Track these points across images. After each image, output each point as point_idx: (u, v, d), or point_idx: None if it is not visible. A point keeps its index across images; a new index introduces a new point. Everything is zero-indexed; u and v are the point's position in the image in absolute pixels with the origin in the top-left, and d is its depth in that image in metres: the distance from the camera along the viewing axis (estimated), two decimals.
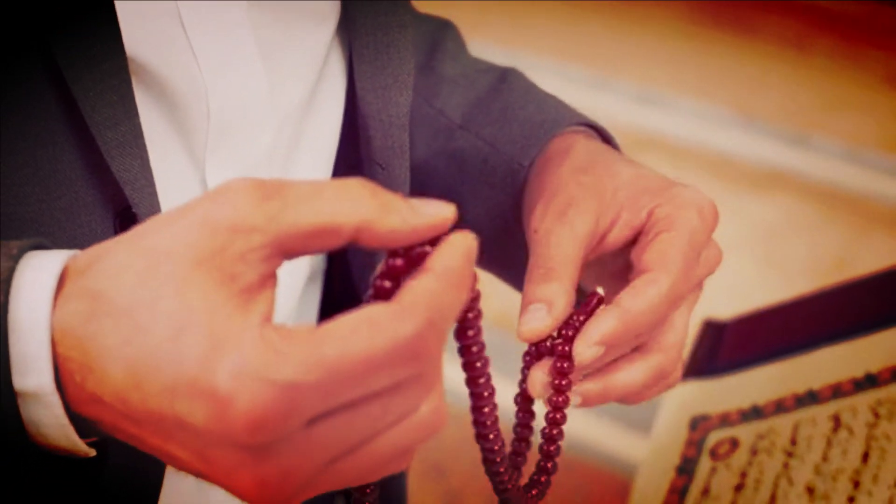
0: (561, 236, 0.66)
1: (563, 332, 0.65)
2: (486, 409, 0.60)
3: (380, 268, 0.49)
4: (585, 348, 0.63)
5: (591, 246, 0.67)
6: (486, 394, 0.59)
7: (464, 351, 0.57)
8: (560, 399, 0.65)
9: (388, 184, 0.70)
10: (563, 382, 0.65)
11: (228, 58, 0.62)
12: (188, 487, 0.69)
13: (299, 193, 0.46)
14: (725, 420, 0.91)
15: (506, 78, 0.80)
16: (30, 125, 0.56)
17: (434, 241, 0.49)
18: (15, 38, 0.55)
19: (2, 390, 0.47)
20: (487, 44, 2.69)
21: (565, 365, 0.64)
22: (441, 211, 0.49)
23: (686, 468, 0.90)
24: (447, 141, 0.78)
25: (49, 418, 0.48)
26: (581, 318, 0.65)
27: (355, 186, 0.47)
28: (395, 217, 0.47)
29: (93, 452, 0.50)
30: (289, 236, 0.46)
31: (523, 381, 0.67)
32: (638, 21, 3.06)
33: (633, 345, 0.66)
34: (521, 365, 0.66)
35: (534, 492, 0.67)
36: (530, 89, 0.79)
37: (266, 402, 0.43)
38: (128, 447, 0.56)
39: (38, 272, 0.47)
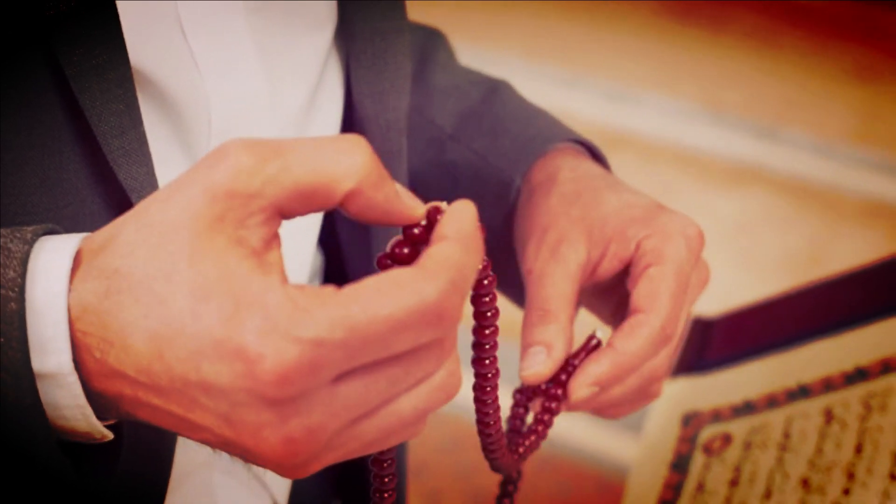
0: (555, 276, 0.68)
1: (557, 376, 0.68)
2: (490, 376, 0.60)
3: (396, 238, 0.50)
4: (581, 388, 0.66)
5: (583, 280, 0.69)
6: (488, 360, 0.60)
7: (477, 316, 0.58)
8: (540, 428, 0.68)
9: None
10: (547, 417, 0.68)
11: (229, 64, 0.62)
12: (194, 492, 0.69)
13: (298, 154, 0.47)
14: (717, 416, 0.92)
15: (497, 90, 0.81)
16: (37, 135, 0.56)
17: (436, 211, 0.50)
18: (21, 48, 0.55)
19: (21, 372, 0.47)
20: (457, 43, 2.69)
21: (553, 405, 0.68)
22: (415, 206, 0.50)
23: (680, 464, 0.90)
24: (439, 152, 0.79)
25: (67, 399, 0.48)
26: (576, 361, 0.68)
27: (355, 147, 0.48)
28: (381, 193, 0.48)
29: (110, 435, 0.50)
30: (286, 198, 0.47)
31: (513, 415, 0.70)
32: (607, 18, 3.07)
33: (627, 381, 0.69)
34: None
35: (520, 451, 0.69)
36: (521, 103, 0.80)
37: (294, 357, 0.44)
38: (135, 449, 0.56)
39: (52, 254, 0.48)
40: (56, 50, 0.55)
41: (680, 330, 0.70)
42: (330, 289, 0.46)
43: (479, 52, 2.78)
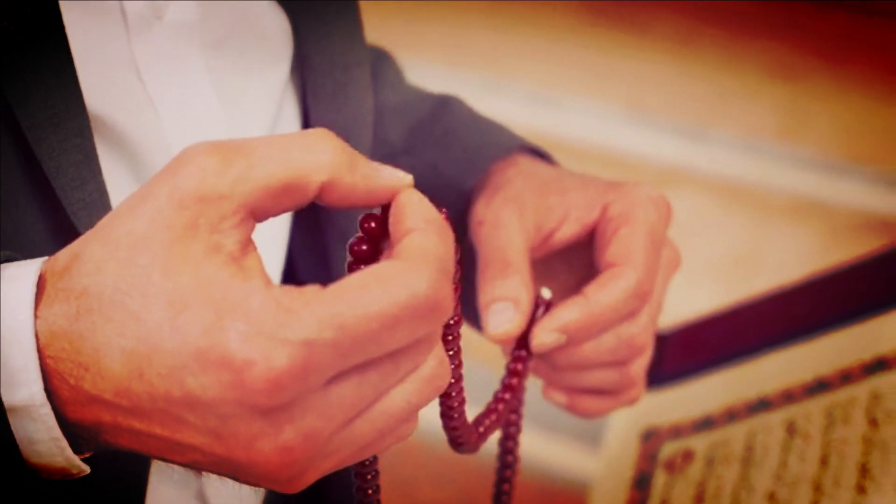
0: (510, 226, 0.66)
1: (515, 352, 0.65)
2: (454, 366, 0.57)
3: (355, 236, 0.49)
4: (544, 334, 0.64)
5: (536, 240, 0.67)
6: (452, 322, 0.56)
7: None
8: (500, 406, 0.64)
9: (352, 217, 0.70)
10: (508, 396, 0.64)
11: (187, 104, 0.61)
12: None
13: (264, 152, 0.45)
14: (678, 431, 0.91)
15: (447, 103, 0.80)
16: None
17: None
18: None
19: None
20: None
21: (513, 381, 0.64)
22: (397, 176, 0.48)
23: (642, 482, 0.89)
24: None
25: (41, 433, 0.46)
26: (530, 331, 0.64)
27: (322, 139, 0.46)
28: (357, 175, 0.47)
29: (87, 469, 0.48)
30: (257, 198, 0.45)
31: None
32: (528, 22, 3.08)
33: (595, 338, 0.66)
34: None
35: (480, 430, 0.65)
36: (472, 114, 0.80)
37: (284, 361, 0.42)
38: (106, 488, 0.54)
39: (14, 282, 0.46)
40: (10, 100, 0.53)
41: (657, 299, 0.68)
42: (314, 287, 0.44)
43: (399, 60, 2.77)
